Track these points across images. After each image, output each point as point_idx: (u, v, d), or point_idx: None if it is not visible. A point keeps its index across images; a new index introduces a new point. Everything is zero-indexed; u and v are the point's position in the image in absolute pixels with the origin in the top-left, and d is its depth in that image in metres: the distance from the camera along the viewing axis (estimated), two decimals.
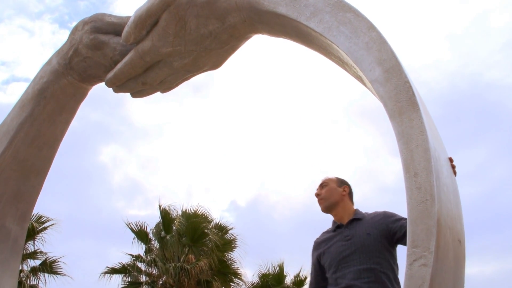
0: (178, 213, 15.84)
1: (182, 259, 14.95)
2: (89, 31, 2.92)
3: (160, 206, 15.79)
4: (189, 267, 14.35)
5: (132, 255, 15.37)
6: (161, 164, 34.36)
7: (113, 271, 15.02)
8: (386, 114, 2.04)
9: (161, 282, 15.06)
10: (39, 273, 13.51)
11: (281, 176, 35.02)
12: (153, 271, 15.28)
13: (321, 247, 2.87)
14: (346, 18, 2.22)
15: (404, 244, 1.85)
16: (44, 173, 3.31)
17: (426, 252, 1.75)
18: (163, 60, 2.79)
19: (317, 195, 2.92)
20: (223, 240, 15.53)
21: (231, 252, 15.93)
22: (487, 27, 38.05)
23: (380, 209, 2.87)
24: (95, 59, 2.96)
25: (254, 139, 40.46)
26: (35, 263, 13.69)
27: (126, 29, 2.75)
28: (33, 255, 13.57)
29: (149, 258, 15.12)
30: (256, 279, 16.54)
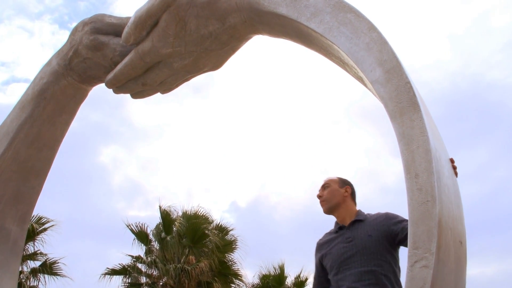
0: (179, 214, 15.85)
1: (182, 260, 14.95)
2: (89, 32, 2.91)
3: (160, 207, 15.80)
4: (189, 268, 14.34)
5: (132, 256, 15.37)
6: (161, 165, 34.39)
7: (113, 272, 15.01)
8: (387, 114, 2.03)
9: (161, 283, 15.05)
10: (39, 274, 13.50)
11: (282, 177, 35.04)
12: (153, 272, 15.27)
13: (323, 248, 2.86)
14: (347, 18, 2.22)
15: (406, 246, 1.84)
16: (44, 174, 3.31)
17: (427, 254, 1.75)
18: (163, 61, 2.79)
19: (319, 196, 2.90)
20: (223, 241, 15.52)
21: (231, 253, 15.93)
22: (488, 27, 38.10)
23: (380, 210, 2.86)
24: (95, 60, 2.95)
25: (255, 140, 40.48)
26: (35, 264, 13.69)
27: (126, 29, 2.74)
28: (33, 256, 13.57)
29: (149, 259, 15.11)
30: (256, 280, 16.55)
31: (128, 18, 2.88)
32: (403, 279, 2.04)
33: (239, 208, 33.70)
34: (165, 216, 15.62)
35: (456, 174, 2.19)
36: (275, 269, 16.41)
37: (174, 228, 15.50)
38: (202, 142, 36.20)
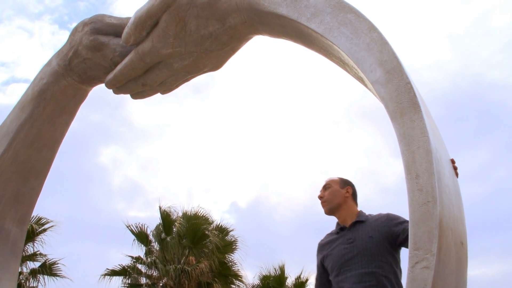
0: (179, 215, 15.85)
1: (182, 261, 14.94)
2: (89, 32, 2.91)
3: (160, 208, 15.80)
4: (189, 269, 14.34)
5: (132, 257, 15.36)
6: (161, 165, 34.37)
7: (113, 273, 15.01)
8: (387, 115, 2.03)
9: (161, 284, 15.05)
10: (39, 275, 13.48)
11: (282, 177, 35.01)
12: (153, 273, 15.26)
13: (324, 249, 2.86)
14: (347, 19, 2.22)
15: (407, 247, 1.84)
16: (43, 175, 3.30)
17: (428, 255, 1.74)
18: (163, 61, 2.78)
19: (320, 197, 2.89)
20: (223, 242, 15.52)
21: (231, 254, 15.93)
22: (488, 27, 38.11)
23: (381, 210, 2.85)
24: (95, 61, 2.95)
25: (255, 140, 40.49)
26: (35, 265, 13.67)
27: (126, 30, 2.74)
28: (33, 257, 13.56)
29: (149, 260, 15.11)
30: (257, 281, 16.55)
31: (128, 18, 2.88)
32: (404, 280, 2.04)
33: (239, 209, 33.71)
34: (165, 216, 15.62)
35: (457, 174, 2.18)
36: (275, 270, 16.41)
37: (174, 229, 15.50)
38: (202, 142, 36.22)
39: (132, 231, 15.47)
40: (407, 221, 2.49)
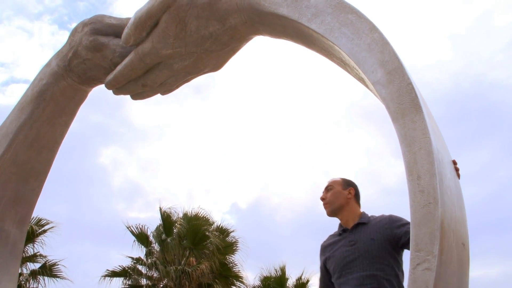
0: (179, 216, 15.85)
1: (183, 262, 14.93)
2: (88, 32, 2.90)
3: (160, 209, 15.81)
4: (190, 270, 14.33)
5: (132, 258, 15.36)
6: (161, 166, 34.38)
7: (113, 274, 15.00)
8: (388, 116, 2.02)
9: (162, 285, 15.04)
10: (39, 276, 13.48)
11: (283, 178, 35.01)
12: (153, 274, 15.25)
13: (326, 251, 2.84)
14: (348, 19, 2.21)
15: (409, 249, 1.83)
16: (43, 176, 3.30)
17: (430, 256, 1.73)
18: (163, 62, 2.78)
19: (322, 199, 2.87)
20: (224, 243, 15.52)
21: (232, 255, 15.93)
22: (489, 27, 38.07)
23: (382, 211, 2.84)
24: (95, 61, 2.94)
25: (255, 141, 40.49)
26: (35, 266, 13.66)
27: (126, 30, 2.73)
28: (33, 258, 13.55)
29: (149, 261, 15.10)
30: (257, 282, 16.54)
31: (128, 19, 2.87)
32: (406, 282, 2.03)
33: (240, 210, 33.69)
34: (166, 217, 15.62)
35: (458, 176, 2.17)
36: (276, 271, 16.40)
37: (175, 230, 15.50)
38: (202, 143, 36.22)
39: (132, 232, 15.47)
40: (410, 223, 2.48)
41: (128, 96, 3.05)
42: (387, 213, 2.78)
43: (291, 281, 16.47)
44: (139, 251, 15.54)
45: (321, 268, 2.90)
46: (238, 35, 2.64)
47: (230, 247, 15.86)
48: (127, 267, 15.17)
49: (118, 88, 2.96)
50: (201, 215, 15.75)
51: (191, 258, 15.14)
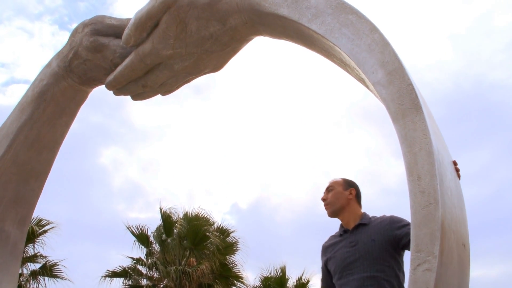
0: (179, 216, 15.85)
1: (183, 262, 14.93)
2: (89, 33, 2.90)
3: (161, 209, 15.81)
4: (190, 270, 14.33)
5: (133, 258, 15.36)
6: (162, 166, 34.38)
7: (113, 274, 15.01)
8: (389, 116, 2.02)
9: (162, 286, 15.04)
10: (39, 276, 13.48)
11: (283, 178, 34.99)
12: (154, 274, 15.26)
13: (327, 252, 2.84)
14: (348, 20, 2.21)
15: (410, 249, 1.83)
16: (44, 177, 3.30)
17: (430, 257, 1.73)
18: (163, 62, 2.78)
19: (323, 199, 2.87)
20: (224, 243, 15.52)
21: (232, 255, 15.93)
22: (490, 27, 38.06)
23: (382, 211, 2.83)
24: (95, 62, 2.94)
25: (256, 141, 40.49)
26: (35, 266, 13.67)
27: (126, 31, 2.73)
28: (33, 258, 13.56)
29: (150, 261, 15.10)
30: (258, 283, 16.53)
31: (128, 19, 2.88)
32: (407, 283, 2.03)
33: (240, 210, 33.68)
34: (166, 218, 15.62)
35: (459, 176, 2.17)
36: (276, 271, 16.40)
37: (175, 230, 15.50)
38: (203, 143, 36.21)
39: (132, 232, 15.47)
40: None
41: (129, 97, 3.05)
42: (387, 213, 2.78)
43: (291, 282, 16.48)
44: (140, 252, 15.56)
45: (322, 268, 2.90)
46: (238, 35, 2.64)
47: (230, 248, 15.86)
48: (128, 267, 15.18)
49: (118, 88, 2.96)
50: (202, 215, 15.76)
51: (191, 259, 15.14)
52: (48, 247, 13.73)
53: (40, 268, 13.58)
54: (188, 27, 2.58)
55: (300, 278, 16.43)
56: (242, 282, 15.83)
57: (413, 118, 1.93)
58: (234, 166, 35.52)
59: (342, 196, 2.82)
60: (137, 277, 15.12)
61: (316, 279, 16.62)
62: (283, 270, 16.36)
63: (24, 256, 13.01)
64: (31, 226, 12.66)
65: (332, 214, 2.84)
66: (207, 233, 15.22)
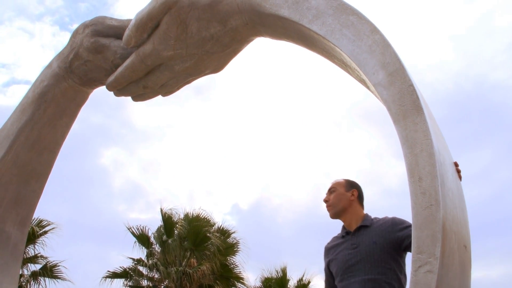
0: (180, 217, 15.86)
1: (184, 263, 14.93)
2: (89, 34, 2.90)
3: (161, 210, 15.81)
4: (191, 271, 14.33)
5: (133, 259, 15.36)
6: (162, 167, 34.40)
7: (114, 275, 15.01)
8: (389, 117, 2.01)
9: (163, 287, 15.03)
10: (40, 277, 13.49)
11: (284, 178, 34.99)
12: (154, 275, 15.26)
13: (330, 253, 2.83)
14: (349, 21, 2.20)
15: None
16: (44, 178, 3.30)
17: (431, 258, 1.73)
18: (164, 63, 2.77)
19: (325, 201, 2.86)
20: (225, 244, 15.51)
21: (233, 256, 15.92)
22: (491, 27, 38.05)
23: (383, 212, 2.82)
24: (96, 63, 2.94)
25: (257, 142, 40.48)
26: (36, 267, 13.68)
27: (127, 32, 2.73)
28: (34, 259, 13.57)
29: (150, 262, 15.09)
30: (258, 283, 16.52)
31: (129, 20, 2.87)
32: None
33: (241, 211, 33.69)
34: (167, 218, 15.62)
35: (460, 177, 2.16)
36: (277, 272, 16.39)
37: (176, 231, 15.49)
38: (203, 144, 36.20)
39: (133, 233, 15.48)
40: None
41: (129, 98, 3.05)
42: (388, 214, 2.77)
43: (292, 282, 16.47)
44: (140, 252, 15.56)
45: (325, 270, 2.90)
46: (239, 36, 2.64)
47: (231, 248, 15.86)
48: (128, 268, 15.18)
49: (119, 89, 2.96)
50: (202, 216, 15.76)
51: (192, 259, 15.14)
52: (48, 248, 13.76)
53: (40, 269, 13.59)
54: (188, 28, 2.58)
55: (301, 279, 16.43)
56: (243, 283, 15.83)
57: (414, 119, 1.92)
58: (235, 167, 35.54)
59: (344, 198, 2.81)
60: (137, 278, 15.12)
61: (316, 280, 16.63)
62: (283, 271, 16.35)
63: (25, 257, 13.01)
64: (32, 227, 12.66)
65: (334, 215, 2.83)
66: (208, 234, 15.22)
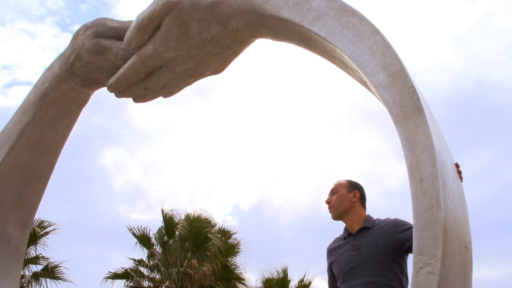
0: (181, 218, 15.87)
1: (185, 264, 14.93)
2: (91, 35, 2.91)
3: (162, 211, 15.82)
4: (192, 272, 14.33)
5: (134, 260, 15.37)
6: (163, 168, 34.41)
7: (115, 276, 15.02)
8: (390, 119, 2.01)
9: (164, 287, 15.03)
10: (41, 278, 13.52)
11: (285, 179, 34.99)
12: (156, 276, 15.26)
13: (332, 255, 2.83)
14: (350, 22, 2.20)
15: None
16: (46, 179, 3.30)
17: (433, 260, 1.72)
18: (165, 65, 2.78)
19: (327, 202, 2.84)
20: (226, 245, 15.52)
21: (234, 257, 15.94)
22: (492, 28, 38.03)
23: (384, 213, 2.82)
24: (97, 64, 2.95)
25: (257, 143, 40.47)
26: (37, 268, 13.72)
27: (128, 33, 2.74)
28: (35, 260, 13.59)
29: (151, 263, 15.10)
30: (259, 284, 16.52)
31: (130, 22, 2.88)
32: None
33: (242, 211, 33.68)
34: (168, 219, 15.63)
35: (461, 178, 2.16)
36: (278, 273, 16.38)
37: (177, 232, 15.50)
38: (204, 145, 36.21)
39: (134, 234, 15.49)
40: None
41: (130, 99, 3.06)
42: (389, 215, 2.77)
43: (293, 283, 16.48)
44: (141, 253, 15.58)
45: (328, 271, 2.89)
46: (240, 38, 2.64)
47: (232, 249, 15.86)
48: (129, 269, 15.19)
49: (120, 91, 2.96)
50: (203, 217, 15.76)
51: (193, 260, 15.14)
52: (50, 249, 13.80)
53: (42, 269, 13.62)
54: (189, 30, 2.58)
55: (302, 280, 16.43)
56: (244, 284, 15.83)
57: (415, 121, 1.92)
58: (236, 168, 35.54)
59: (346, 199, 2.79)
60: (138, 279, 15.13)
61: (317, 280, 16.62)
62: (285, 272, 16.35)
63: (26, 257, 13.03)
64: (33, 228, 12.68)
65: (336, 217, 2.82)
66: (209, 235, 15.22)
